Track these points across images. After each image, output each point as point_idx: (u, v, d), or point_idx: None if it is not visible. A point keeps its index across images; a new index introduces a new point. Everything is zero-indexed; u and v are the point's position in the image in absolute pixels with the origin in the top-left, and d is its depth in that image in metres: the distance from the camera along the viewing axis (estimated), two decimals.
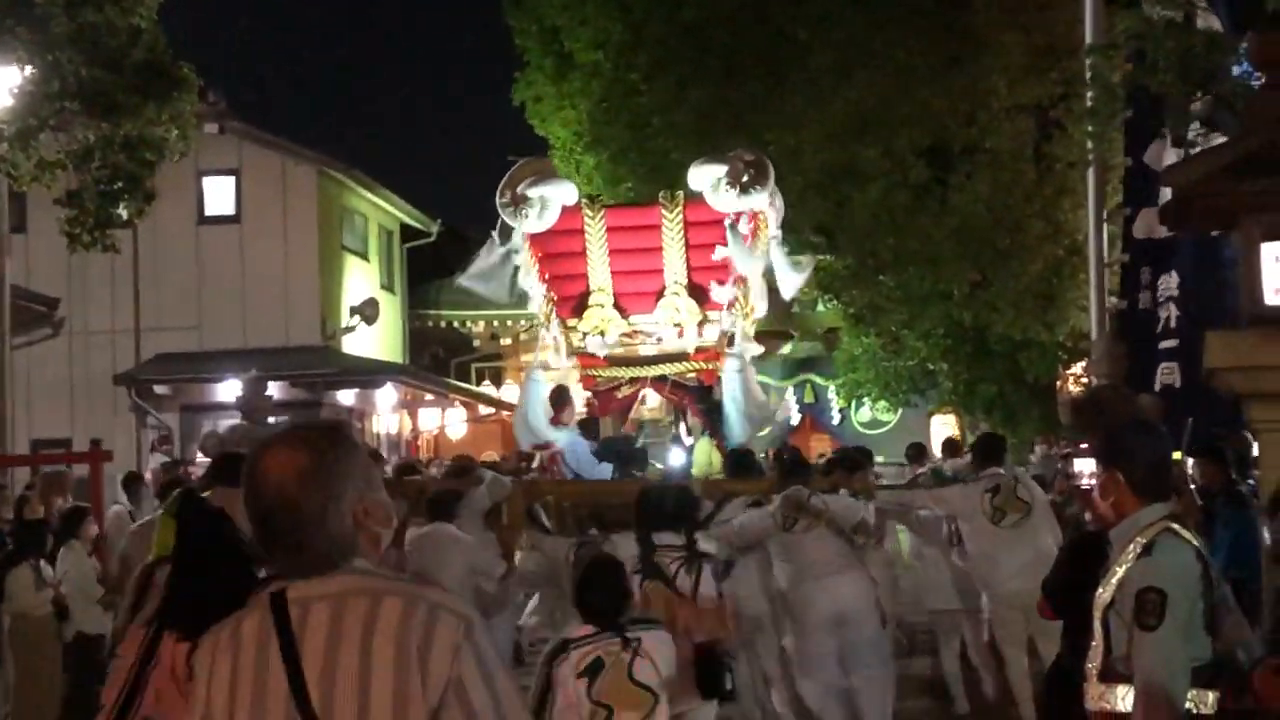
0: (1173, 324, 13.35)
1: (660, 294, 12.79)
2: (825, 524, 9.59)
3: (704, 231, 12.61)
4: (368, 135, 73.24)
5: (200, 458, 17.48)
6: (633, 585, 6.98)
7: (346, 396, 25.62)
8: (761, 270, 12.64)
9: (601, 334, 12.76)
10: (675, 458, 11.97)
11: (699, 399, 12.85)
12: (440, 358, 32.82)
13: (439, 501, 9.76)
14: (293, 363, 23.37)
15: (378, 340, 28.56)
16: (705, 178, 12.31)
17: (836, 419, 29.88)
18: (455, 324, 32.79)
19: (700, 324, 12.78)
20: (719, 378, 12.79)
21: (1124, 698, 4.62)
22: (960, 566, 11.38)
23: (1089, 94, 14.13)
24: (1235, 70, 11.53)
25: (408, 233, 31.37)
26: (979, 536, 10.73)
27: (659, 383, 12.99)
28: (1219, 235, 13.08)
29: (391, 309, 29.76)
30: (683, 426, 13.33)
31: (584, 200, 13.22)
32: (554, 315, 12.97)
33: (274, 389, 17.69)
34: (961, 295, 22.13)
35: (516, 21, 25.28)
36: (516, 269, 12.67)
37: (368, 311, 27.07)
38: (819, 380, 29.91)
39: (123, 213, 14.96)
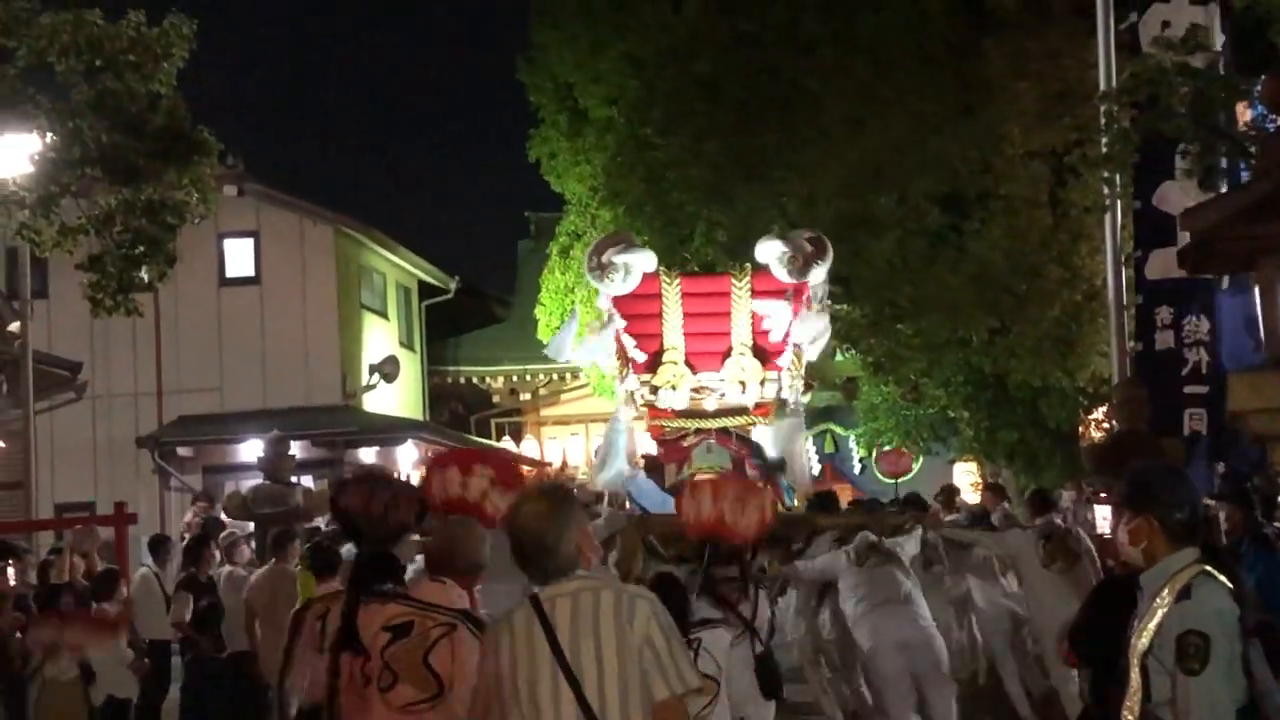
0: (1203, 369, 13.31)
1: (727, 354, 14.38)
2: (893, 562, 11.07)
3: (769, 300, 14.37)
4: (384, 194, 73.57)
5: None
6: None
7: (367, 455, 25.66)
8: (811, 336, 14.47)
9: (673, 388, 14.30)
10: None
11: (754, 452, 14.18)
12: (460, 414, 32.88)
13: None
14: (313, 422, 23.44)
15: (397, 398, 28.63)
16: (771, 252, 14.39)
17: (857, 468, 29.85)
18: (474, 380, 32.89)
19: (761, 382, 14.33)
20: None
21: None
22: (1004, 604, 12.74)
23: (1104, 140, 14.19)
24: (1250, 114, 11.60)
25: (425, 290, 31.48)
26: (1032, 577, 11.88)
27: (722, 435, 14.42)
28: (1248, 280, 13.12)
29: (411, 366, 29.84)
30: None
31: (661, 268, 14.89)
32: (630, 370, 14.49)
33: (295, 448, 17.68)
34: (980, 342, 22.07)
35: (530, 79, 25.41)
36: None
37: (388, 369, 27.13)
38: (839, 430, 29.90)
39: (145, 276, 15.06)
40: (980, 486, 26.24)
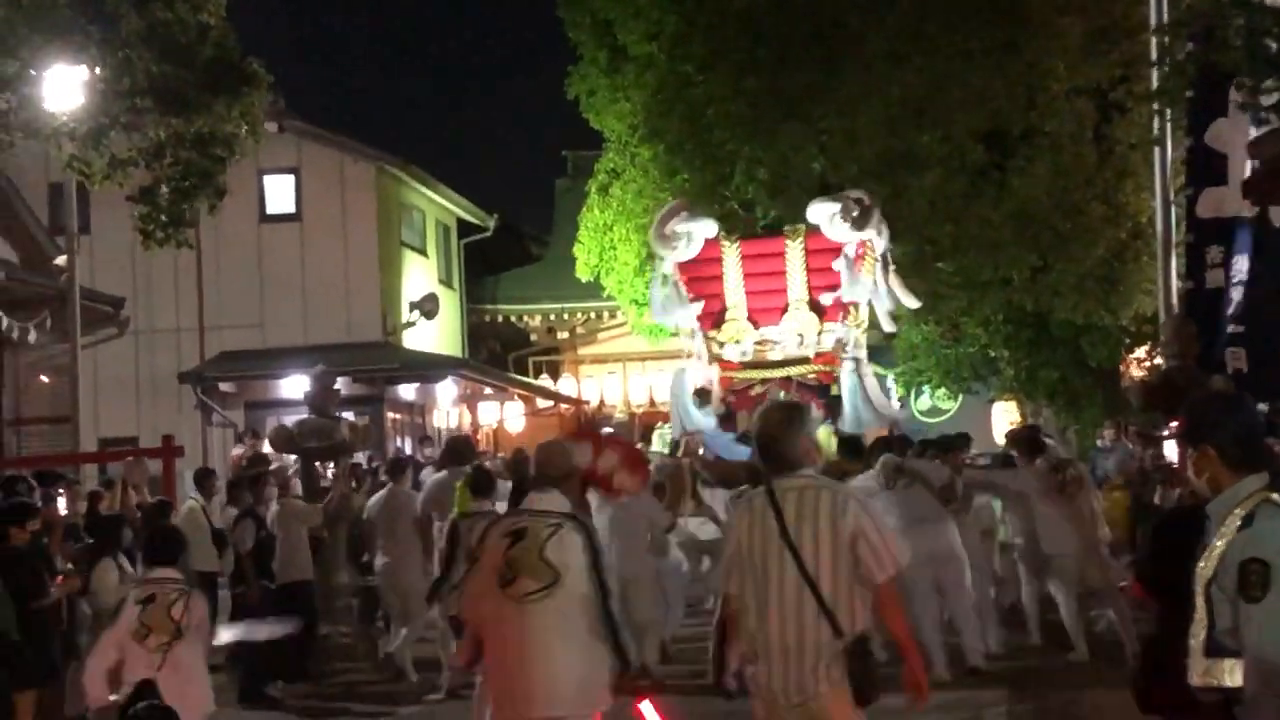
0: (1243, 309, 13.24)
1: (785, 309, 16.31)
2: (920, 483, 11.98)
3: (821, 257, 16.29)
4: (422, 131, 73.41)
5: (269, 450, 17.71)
6: None
7: (407, 391, 25.76)
8: (868, 290, 16.18)
9: (737, 343, 16.34)
10: None
11: (819, 394, 15.87)
12: (498, 352, 32.93)
13: None
14: (354, 358, 23.47)
15: (437, 335, 28.67)
16: (823, 213, 16.32)
17: (897, 406, 29.75)
18: (512, 318, 32.92)
19: (819, 333, 16.17)
20: (836, 377, 16.11)
21: (1231, 672, 4.55)
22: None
23: (1155, 74, 14.05)
24: None
25: (464, 228, 31.45)
26: (1042, 509, 12.65)
27: (786, 382, 16.14)
28: None
29: (450, 304, 29.87)
30: None
31: (721, 233, 16.80)
32: (698, 327, 16.58)
33: (338, 384, 17.79)
34: (1022, 281, 21.99)
35: (569, 15, 25.18)
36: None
37: (427, 306, 27.15)
38: (878, 369, 29.78)
39: (196, 209, 15.08)
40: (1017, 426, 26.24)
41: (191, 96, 13.68)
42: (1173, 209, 15.21)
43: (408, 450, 23.67)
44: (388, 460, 15.03)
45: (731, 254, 16.58)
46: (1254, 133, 13.34)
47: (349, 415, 19.43)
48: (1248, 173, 13.43)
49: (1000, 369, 24.90)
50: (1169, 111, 13.39)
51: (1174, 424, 11.96)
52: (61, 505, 12.23)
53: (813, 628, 5.60)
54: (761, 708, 5.80)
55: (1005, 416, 27.95)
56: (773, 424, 5.91)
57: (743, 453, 14.24)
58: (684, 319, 17.04)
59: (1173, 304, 14.89)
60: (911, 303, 17.62)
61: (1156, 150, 15.03)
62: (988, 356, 24.71)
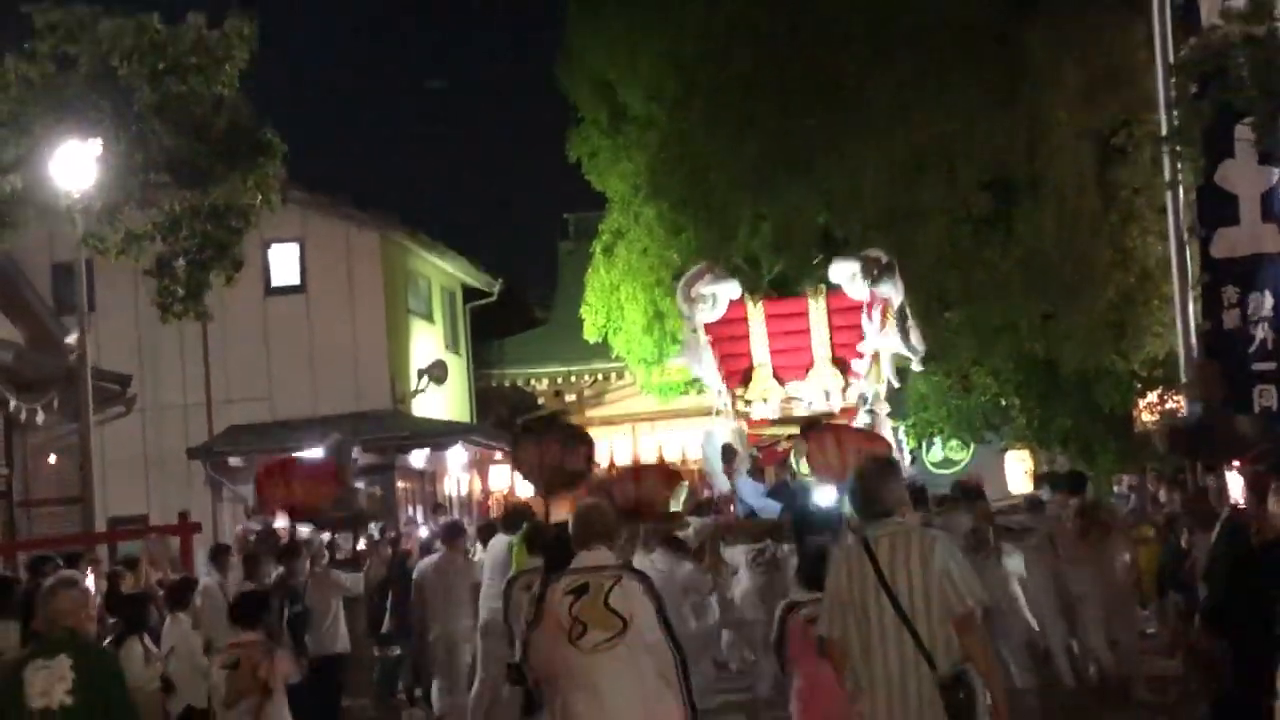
0: (1269, 345, 13.20)
1: (810, 366, 16.80)
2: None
3: (843, 315, 16.83)
4: (426, 197, 73.58)
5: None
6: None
7: (418, 458, 25.63)
8: (891, 345, 16.59)
9: (764, 400, 16.72)
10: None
11: None
12: (506, 417, 32.82)
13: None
14: (364, 427, 23.38)
15: (445, 401, 28.60)
16: (843, 272, 16.76)
17: (907, 459, 29.64)
18: (519, 382, 32.85)
19: (843, 389, 16.61)
20: None
21: None
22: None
23: (1164, 116, 14.06)
24: None
25: (469, 293, 31.43)
26: (1068, 550, 12.84)
27: None
28: None
29: (457, 370, 29.82)
30: None
31: (746, 294, 17.29)
32: (725, 386, 16.95)
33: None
34: (1031, 328, 21.96)
35: (568, 78, 25.28)
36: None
37: (436, 373, 27.10)
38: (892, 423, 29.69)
39: (212, 281, 15.02)
40: (1033, 475, 26.12)
41: (207, 168, 13.64)
42: (1188, 250, 15.18)
43: (420, 518, 23.57)
44: (444, 525, 15.28)
45: (756, 314, 17.16)
46: (1258, 173, 13.40)
47: (360, 484, 19.31)
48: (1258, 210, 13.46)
49: (1012, 418, 24.80)
50: (1180, 152, 13.35)
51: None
52: (89, 584, 12.06)
53: (912, 664, 5.99)
54: None
55: (1018, 465, 27.87)
56: (869, 476, 6.41)
57: (774, 507, 14.70)
58: (709, 374, 17.53)
59: (1191, 346, 14.82)
60: (921, 348, 17.62)
61: (1169, 193, 14.98)
62: (999, 405, 24.60)
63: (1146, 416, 25.84)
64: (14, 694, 6.67)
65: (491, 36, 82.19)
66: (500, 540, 13.10)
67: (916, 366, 18.80)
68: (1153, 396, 24.70)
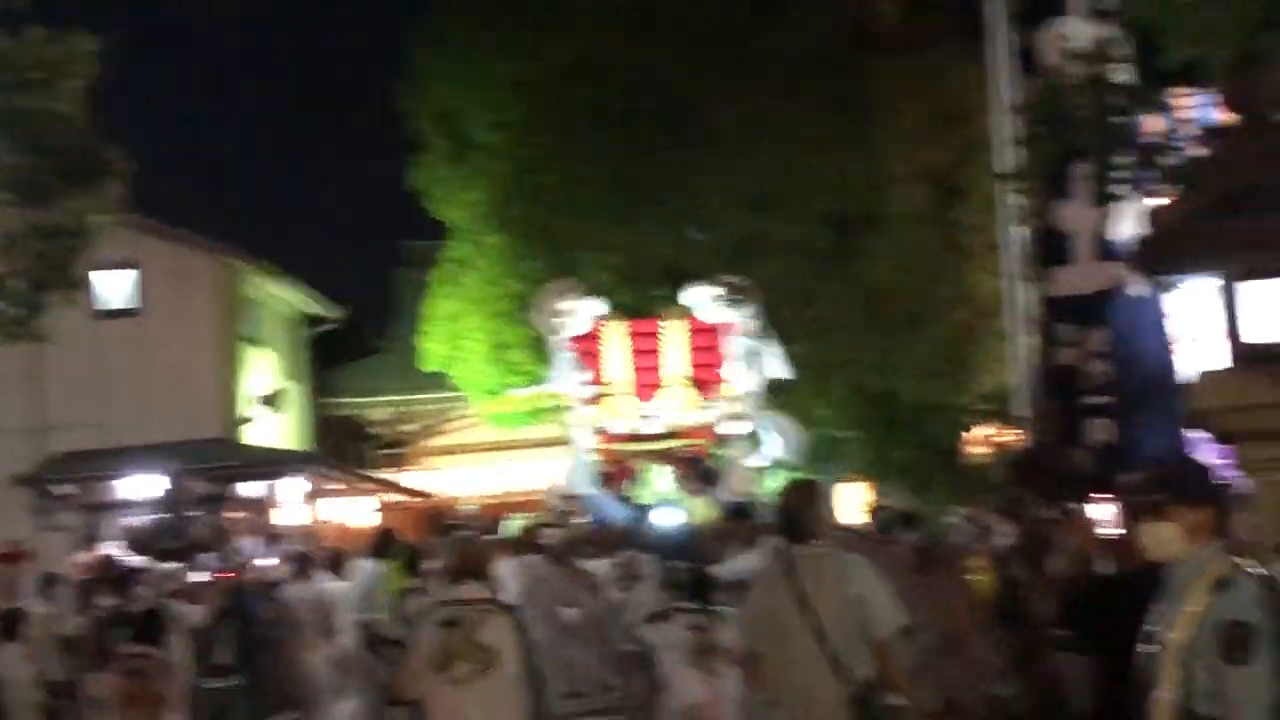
0: (1104, 381, 13.52)
1: (665, 385, 17.53)
2: None
3: (700, 337, 17.66)
4: (266, 224, 72.44)
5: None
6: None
7: (252, 488, 25.10)
8: (744, 367, 17.56)
9: (620, 416, 17.38)
10: (671, 516, 15.38)
11: (693, 466, 17.07)
12: (344, 446, 32.35)
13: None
14: (198, 456, 22.85)
15: (283, 430, 28.12)
16: (700, 296, 17.68)
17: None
18: (358, 411, 32.45)
19: (697, 409, 17.33)
20: (709, 450, 17.36)
21: None
22: None
23: (997, 155, 14.37)
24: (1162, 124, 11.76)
25: (310, 320, 30.96)
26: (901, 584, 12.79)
27: (664, 455, 17.26)
28: (1148, 295, 13.34)
29: (296, 397, 29.33)
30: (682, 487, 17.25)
31: (608, 312, 18.00)
32: (580, 402, 17.50)
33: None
34: (871, 362, 22.27)
35: (411, 106, 25.05)
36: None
37: (275, 401, 26.65)
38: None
39: (50, 302, 14.55)
40: (870, 507, 26.43)
41: (48, 186, 13.24)
42: (1022, 288, 15.50)
43: (253, 549, 23.09)
44: (300, 554, 15.56)
45: (616, 332, 17.82)
46: (1093, 212, 13.75)
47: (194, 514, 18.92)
48: (1094, 244, 13.80)
49: (849, 450, 25.08)
50: (1020, 190, 13.66)
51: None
52: None
53: (825, 678, 6.35)
54: None
55: (854, 497, 28.20)
56: (795, 500, 6.86)
57: (624, 514, 15.67)
58: (575, 387, 18.06)
59: (1027, 381, 15.14)
60: (780, 373, 18.89)
61: (1010, 230, 15.31)
62: (836, 438, 24.87)
63: (977, 449, 26.38)
64: None
65: (335, 62, 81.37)
66: (366, 566, 13.19)
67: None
68: (984, 430, 25.24)
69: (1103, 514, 9.49)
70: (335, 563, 14.44)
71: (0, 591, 13.06)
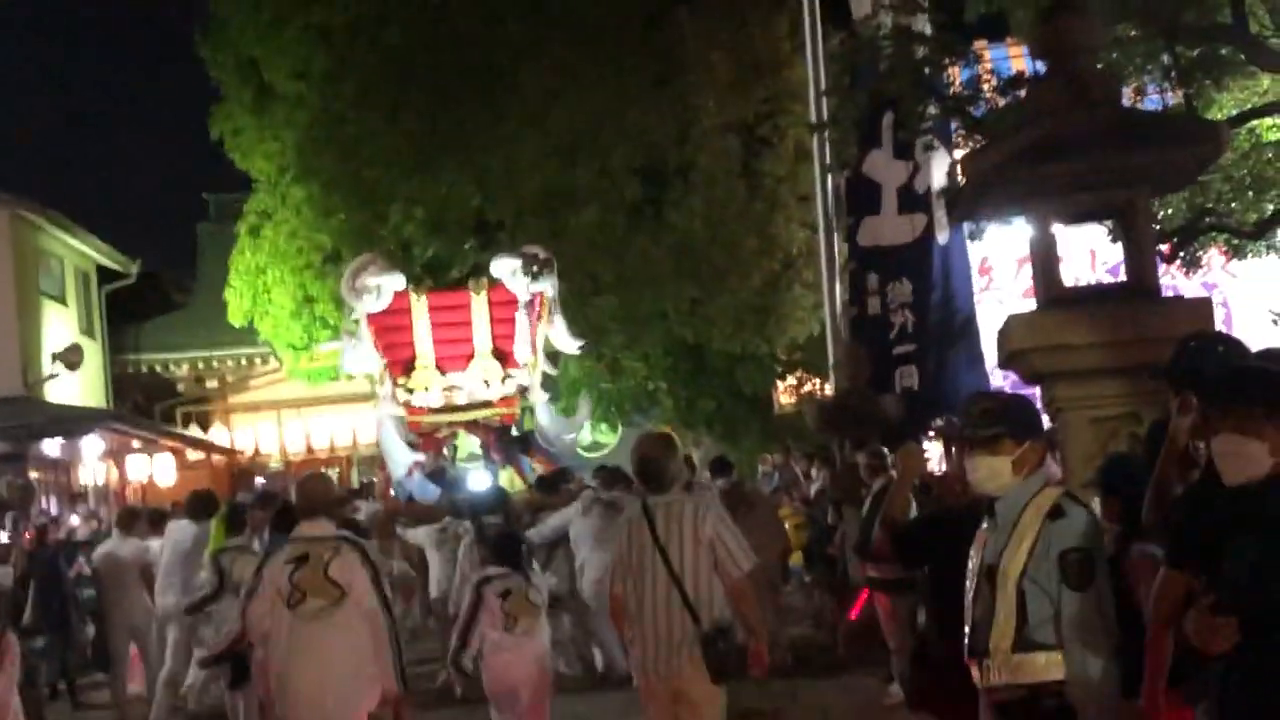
0: (909, 329, 13.82)
1: (471, 357, 17.39)
2: (614, 509, 12.67)
3: (503, 309, 17.53)
4: (62, 176, 70.13)
5: None
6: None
7: (52, 447, 24.41)
8: (545, 336, 17.74)
9: (426, 389, 17.29)
10: (483, 480, 15.25)
11: (499, 436, 17.25)
12: (143, 404, 31.60)
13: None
14: None
15: (80, 387, 27.33)
16: (505, 268, 17.50)
17: (581, 439, 29.87)
18: (157, 368, 31.71)
19: (502, 379, 17.30)
20: (516, 419, 17.77)
21: (1046, 666, 4.65)
22: None
23: (816, 105, 14.53)
24: (964, 74, 12.04)
25: (106, 275, 30.08)
26: None
27: (471, 425, 17.33)
28: (953, 244, 13.67)
29: (93, 355, 28.50)
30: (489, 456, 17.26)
31: (410, 286, 17.89)
32: (388, 375, 17.44)
33: None
34: (681, 314, 22.40)
35: (211, 54, 24.43)
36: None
37: (71, 358, 25.86)
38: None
39: None
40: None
41: None
42: (835, 236, 15.73)
43: (55, 509, 22.51)
44: (121, 511, 15.22)
45: (419, 305, 17.57)
46: (900, 163, 14.02)
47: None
48: (901, 195, 14.08)
49: (660, 401, 25.26)
50: (832, 140, 13.84)
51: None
52: None
53: (679, 618, 6.75)
54: (641, 682, 7.03)
55: None
56: (651, 451, 7.11)
57: (433, 490, 15.64)
58: (369, 364, 18.05)
59: (838, 329, 15.38)
60: (570, 348, 19.02)
61: (819, 180, 15.51)
62: (647, 389, 25.03)
63: (785, 399, 26.82)
64: None
65: (133, 8, 79.11)
66: (182, 525, 13.01)
67: (551, 363, 19.30)
68: (792, 380, 25.66)
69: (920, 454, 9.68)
70: (153, 521, 14.13)
71: None
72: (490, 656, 9.04)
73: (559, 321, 18.11)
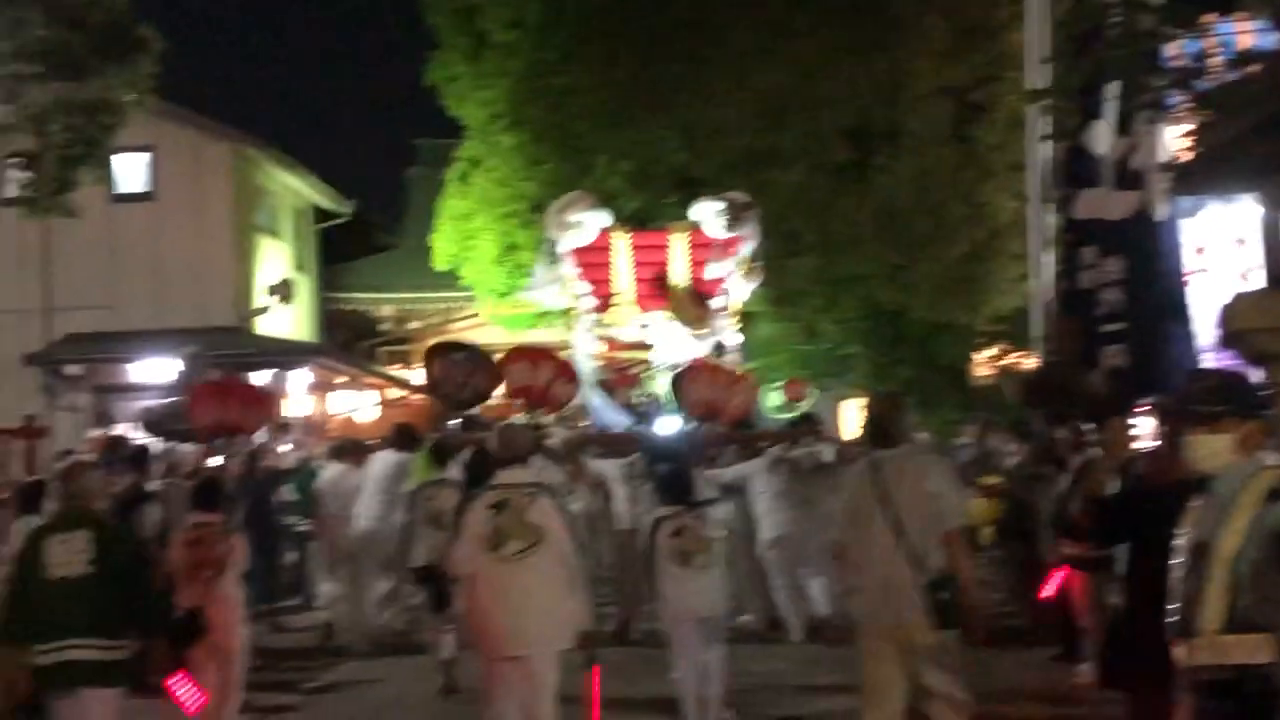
0: (1119, 308, 13.53)
1: (668, 295, 17.91)
2: (797, 469, 13.49)
3: (703, 251, 18.01)
4: (281, 114, 71.98)
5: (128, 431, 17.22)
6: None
7: (262, 378, 25.17)
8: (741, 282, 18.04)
9: (623, 325, 18.02)
10: (671, 424, 14.91)
11: None
12: (349, 341, 32.45)
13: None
14: (208, 343, 22.83)
15: (291, 322, 28.15)
16: (706, 211, 18.03)
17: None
18: (364, 307, 32.51)
19: (699, 320, 17.61)
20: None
21: (1258, 648, 4.55)
22: None
23: (1036, 72, 14.25)
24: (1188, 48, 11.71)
25: (320, 214, 30.90)
26: None
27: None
28: (1163, 220, 13.33)
29: (304, 290, 29.34)
30: None
31: (614, 224, 18.50)
32: (588, 310, 18.08)
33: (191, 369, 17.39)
34: (881, 279, 22.26)
35: (430, 1, 24.88)
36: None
37: (284, 291, 26.64)
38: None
39: (82, 178, 14.52)
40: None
41: (82, 61, 13.15)
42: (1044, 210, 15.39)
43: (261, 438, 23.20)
44: (340, 442, 16.13)
45: (622, 243, 18.12)
46: (1121, 137, 13.69)
47: None
48: (1118, 171, 13.75)
49: (854, 366, 25.14)
50: (1056, 109, 13.54)
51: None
52: None
53: (902, 568, 7.00)
54: (865, 628, 7.28)
55: (855, 414, 28.29)
56: (882, 409, 7.52)
57: (624, 421, 16.19)
58: (560, 298, 18.70)
59: (1045, 302, 15.10)
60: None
61: (1036, 150, 15.21)
62: (842, 354, 24.93)
63: (983, 371, 26.46)
64: (35, 564, 7.39)
65: None
66: (388, 457, 13.49)
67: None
68: (991, 352, 25.31)
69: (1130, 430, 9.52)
70: (358, 452, 14.66)
71: (21, 464, 13.19)
72: (667, 592, 9.46)
73: (755, 275, 18.39)
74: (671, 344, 17.70)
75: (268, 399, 11.84)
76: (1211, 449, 4.76)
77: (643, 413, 16.64)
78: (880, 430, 7.39)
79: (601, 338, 17.96)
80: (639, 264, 18.11)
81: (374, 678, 12.40)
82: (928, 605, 6.96)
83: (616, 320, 17.98)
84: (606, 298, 18.00)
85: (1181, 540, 4.79)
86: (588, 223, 17.91)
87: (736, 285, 18.20)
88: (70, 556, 7.34)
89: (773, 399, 28.58)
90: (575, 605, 7.76)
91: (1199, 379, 5.07)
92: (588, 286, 18.13)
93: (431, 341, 19.31)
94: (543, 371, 10.35)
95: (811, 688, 11.29)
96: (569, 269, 17.95)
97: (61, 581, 7.29)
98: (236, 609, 9.34)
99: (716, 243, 17.95)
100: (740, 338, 18.48)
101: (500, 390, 12.80)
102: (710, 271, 17.98)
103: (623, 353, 18.00)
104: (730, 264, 17.97)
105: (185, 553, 9.15)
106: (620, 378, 17.83)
